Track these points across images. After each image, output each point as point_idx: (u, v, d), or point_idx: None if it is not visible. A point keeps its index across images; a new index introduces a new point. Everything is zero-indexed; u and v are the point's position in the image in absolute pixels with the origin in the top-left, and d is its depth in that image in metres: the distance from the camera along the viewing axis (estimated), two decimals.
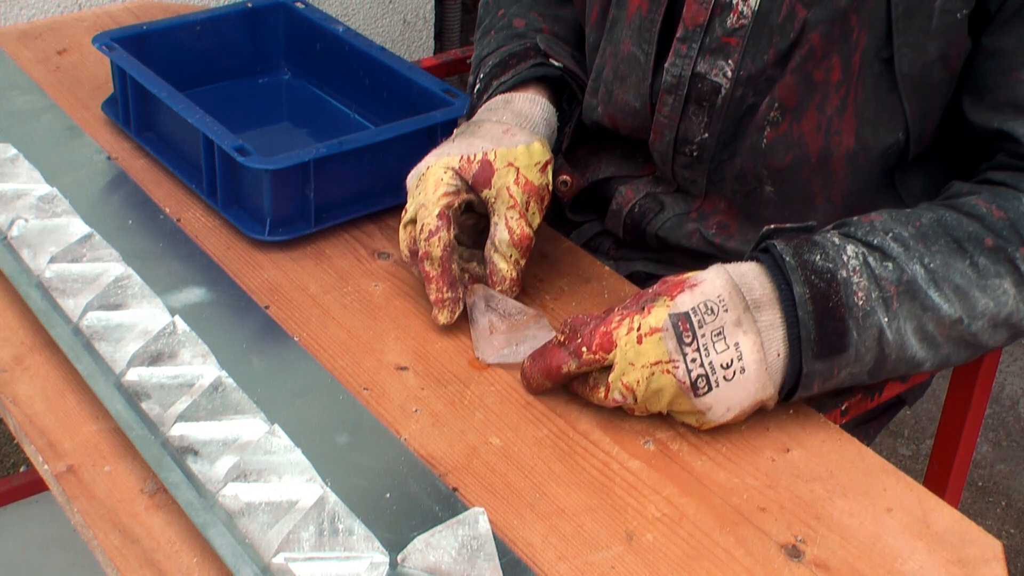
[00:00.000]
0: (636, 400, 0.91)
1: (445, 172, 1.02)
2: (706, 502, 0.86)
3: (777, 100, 1.03)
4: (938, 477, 1.35)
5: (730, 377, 0.89)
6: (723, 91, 1.05)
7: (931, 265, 0.93)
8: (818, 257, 0.91)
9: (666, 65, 1.07)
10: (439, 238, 1.00)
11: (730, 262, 0.94)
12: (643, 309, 0.90)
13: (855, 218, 0.96)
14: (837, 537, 0.84)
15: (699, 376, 0.88)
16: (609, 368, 0.91)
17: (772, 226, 0.95)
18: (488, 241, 1.03)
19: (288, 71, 1.40)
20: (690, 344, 0.88)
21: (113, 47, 1.24)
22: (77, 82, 1.37)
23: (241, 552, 0.78)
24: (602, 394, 0.92)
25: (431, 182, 1.02)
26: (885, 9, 0.98)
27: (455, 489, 0.86)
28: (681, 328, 0.89)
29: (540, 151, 1.05)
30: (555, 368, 0.93)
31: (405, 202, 1.16)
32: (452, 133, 1.11)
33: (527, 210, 1.03)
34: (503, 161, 1.03)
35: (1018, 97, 0.99)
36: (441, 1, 3.12)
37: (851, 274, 0.91)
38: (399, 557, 0.78)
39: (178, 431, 0.86)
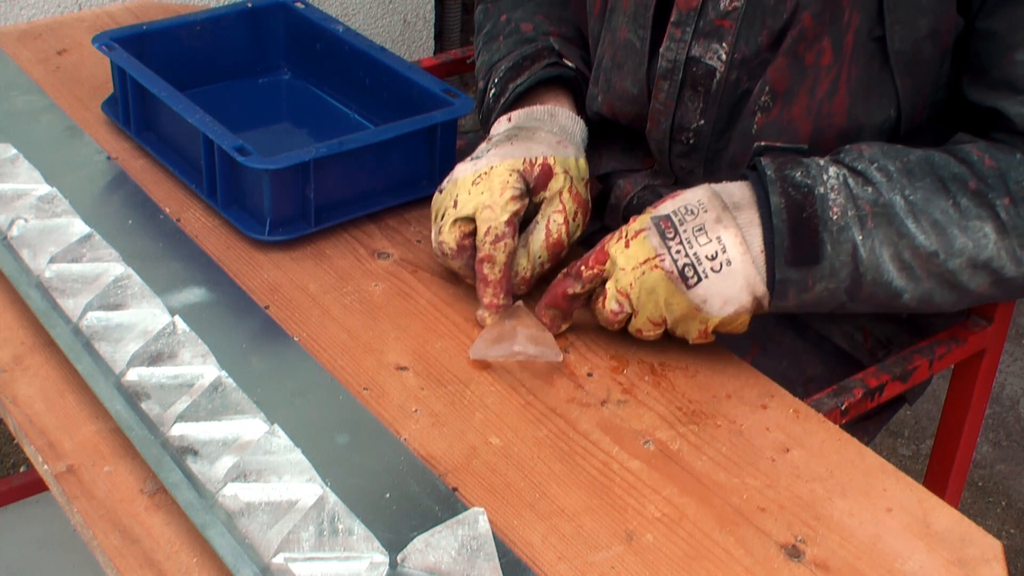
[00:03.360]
0: (632, 305, 0.95)
1: (511, 175, 1.02)
2: (706, 502, 0.86)
3: (768, 84, 1.04)
4: (938, 477, 1.35)
5: (717, 268, 0.94)
6: (718, 75, 1.06)
7: (911, 197, 0.96)
8: (799, 173, 0.96)
9: (661, 50, 1.08)
10: (505, 244, 1.01)
11: None
12: (628, 221, 0.98)
13: (847, 146, 1.00)
14: (837, 537, 0.84)
15: (685, 265, 0.93)
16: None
17: (763, 143, 1.00)
18: (522, 237, 1.04)
19: (288, 71, 1.40)
20: (673, 239, 0.94)
21: (113, 47, 1.24)
22: (77, 82, 1.37)
23: (241, 552, 0.78)
24: (601, 304, 0.97)
25: (497, 184, 1.02)
26: None
27: (455, 489, 0.86)
28: (663, 226, 0.95)
29: (585, 168, 1.08)
30: (560, 294, 0.98)
31: (405, 201, 1.16)
32: (489, 133, 1.13)
33: (572, 219, 1.05)
34: (561, 168, 1.05)
35: (1011, 77, 1.00)
36: (441, 1, 3.12)
37: (829, 191, 0.95)
38: (399, 557, 0.78)
39: (178, 431, 0.86)
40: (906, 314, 1.17)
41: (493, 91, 1.18)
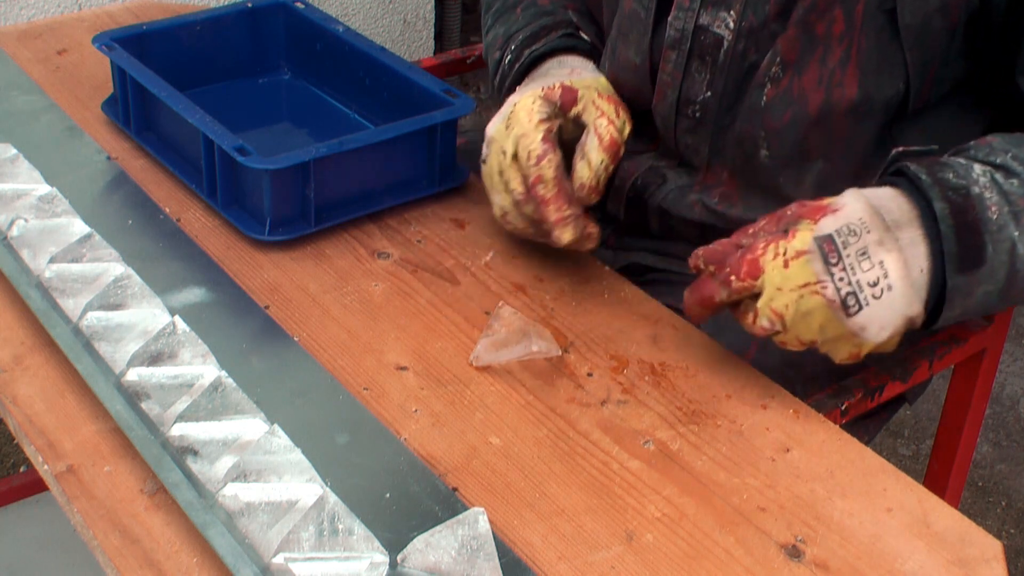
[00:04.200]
0: (785, 325, 0.92)
1: (534, 102, 1.05)
2: (706, 502, 0.86)
3: (779, 55, 1.04)
4: (938, 477, 1.35)
5: (878, 295, 0.90)
6: (725, 44, 1.06)
7: None
8: (951, 175, 0.93)
9: (669, 19, 1.09)
10: (549, 160, 1.02)
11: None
12: (786, 233, 0.92)
13: (971, 143, 0.98)
14: (837, 537, 0.84)
15: (848, 294, 0.89)
16: (758, 296, 0.92)
17: (900, 148, 0.97)
18: (577, 149, 1.05)
19: (288, 71, 1.40)
20: (836, 264, 0.89)
21: (113, 47, 1.24)
22: (77, 82, 1.37)
23: (241, 552, 0.78)
24: (750, 320, 0.93)
25: (523, 115, 1.05)
26: None
27: (455, 489, 0.86)
28: (827, 250, 0.90)
29: (606, 84, 1.09)
30: (707, 297, 0.95)
31: (405, 201, 1.16)
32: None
33: (616, 117, 1.06)
34: (582, 84, 1.07)
35: None
36: (441, 1, 3.12)
37: (983, 190, 0.92)
38: (399, 557, 0.78)
39: (178, 431, 0.86)
40: None
41: (509, 58, 1.19)
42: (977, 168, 0.94)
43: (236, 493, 0.81)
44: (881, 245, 0.90)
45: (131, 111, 1.24)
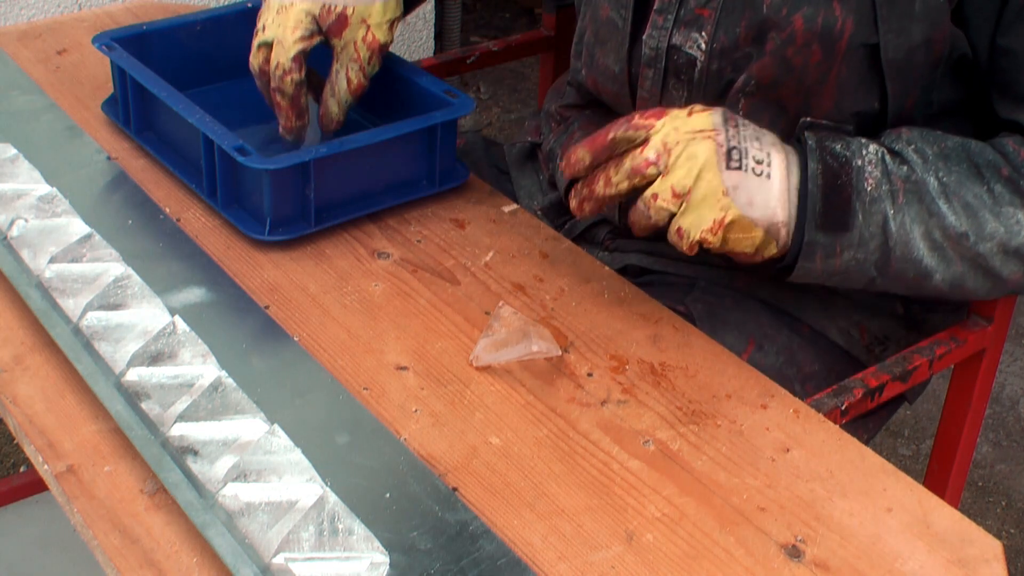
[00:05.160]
0: (667, 163, 0.95)
1: (305, 16, 1.14)
2: (706, 502, 0.86)
3: (754, 78, 1.05)
4: (938, 477, 1.35)
5: (758, 172, 0.95)
6: (699, 64, 1.07)
7: (945, 179, 0.98)
8: (839, 146, 0.98)
9: (644, 37, 1.09)
10: (291, 79, 1.15)
11: None
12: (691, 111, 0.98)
13: (888, 129, 1.02)
14: (837, 537, 0.84)
15: (733, 148, 0.95)
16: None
17: (808, 119, 1.02)
18: (327, 85, 1.18)
19: None
20: (734, 126, 0.96)
21: (113, 47, 1.24)
22: (77, 82, 1.37)
23: (241, 552, 0.78)
24: (639, 150, 0.96)
25: (291, 22, 1.14)
26: None
27: (455, 489, 0.86)
28: (727, 116, 0.97)
29: (393, 8, 1.16)
30: (600, 136, 0.98)
31: (405, 201, 1.16)
32: None
33: (368, 63, 1.17)
34: (358, 17, 1.15)
35: None
36: (441, 1, 3.12)
37: (866, 164, 0.97)
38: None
39: (178, 431, 0.86)
40: (937, 298, 1.16)
41: None
42: (872, 147, 0.99)
43: (236, 493, 0.81)
44: (774, 145, 0.97)
45: (131, 111, 1.24)
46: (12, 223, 1.06)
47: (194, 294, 1.04)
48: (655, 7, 1.08)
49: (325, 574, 0.77)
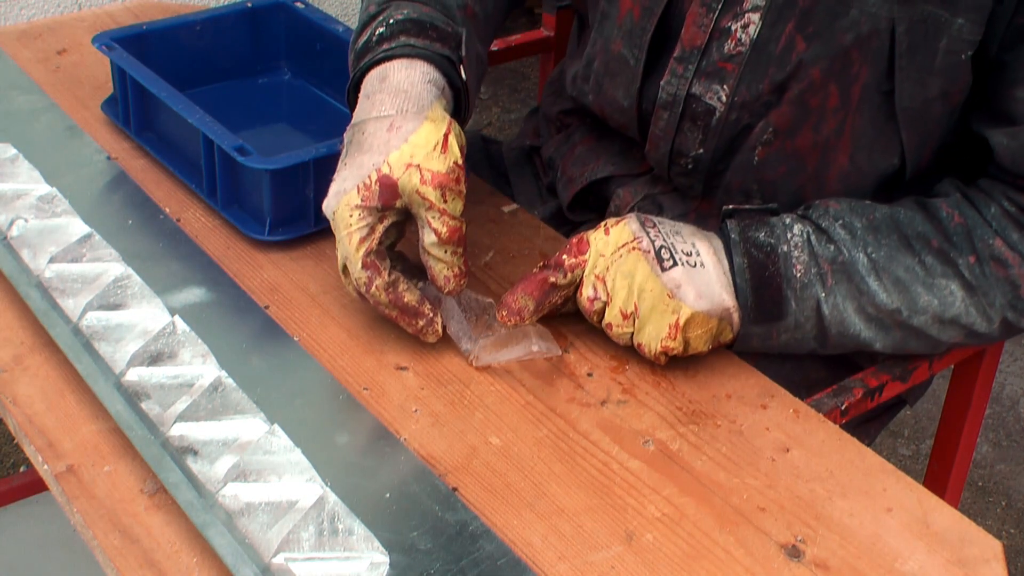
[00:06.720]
0: (607, 290, 0.96)
1: (351, 215, 0.95)
2: (706, 502, 0.86)
3: (772, 125, 1.04)
4: (938, 477, 1.35)
5: (692, 264, 0.96)
6: (718, 113, 1.05)
7: (874, 255, 0.98)
8: (763, 234, 0.98)
9: (662, 83, 1.07)
10: (376, 286, 0.96)
11: None
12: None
13: (816, 202, 1.02)
14: (837, 537, 0.84)
15: (662, 247, 0.96)
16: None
17: (731, 207, 1.01)
18: (420, 247, 0.97)
19: (288, 71, 1.40)
20: (652, 228, 0.97)
21: (113, 47, 1.24)
22: (77, 82, 1.37)
23: (241, 552, 0.78)
24: (578, 293, 0.98)
25: (343, 232, 0.96)
26: (888, 46, 0.98)
27: (455, 489, 0.86)
28: (643, 218, 0.98)
29: (433, 130, 0.95)
30: (541, 280, 0.98)
31: None
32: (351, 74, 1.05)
33: (445, 202, 0.94)
34: (400, 167, 0.94)
35: (1010, 111, 1.00)
36: None
37: (792, 249, 0.98)
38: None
39: (178, 431, 0.86)
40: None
41: (381, 30, 1.04)
42: (797, 228, 0.99)
43: (236, 493, 0.81)
44: (694, 235, 0.98)
45: (131, 111, 1.24)
46: (12, 223, 1.06)
47: (194, 294, 1.04)
48: (675, 54, 1.06)
49: (325, 574, 0.77)
